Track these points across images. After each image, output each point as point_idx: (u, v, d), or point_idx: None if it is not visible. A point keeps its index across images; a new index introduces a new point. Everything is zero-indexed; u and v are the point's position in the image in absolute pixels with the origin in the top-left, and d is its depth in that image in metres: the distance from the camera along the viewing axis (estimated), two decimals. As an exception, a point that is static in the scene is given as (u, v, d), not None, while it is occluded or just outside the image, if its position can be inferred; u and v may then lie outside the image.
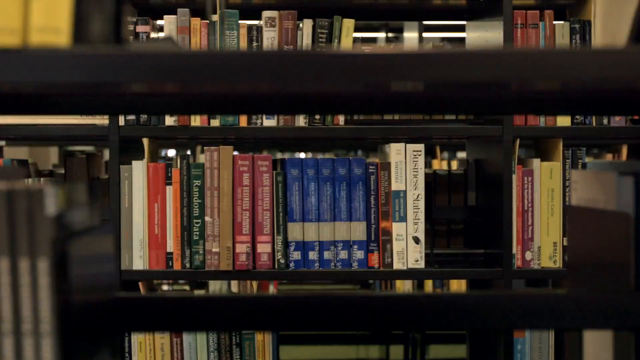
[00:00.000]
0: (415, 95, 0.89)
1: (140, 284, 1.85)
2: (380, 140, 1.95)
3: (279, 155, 4.26)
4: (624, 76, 0.63)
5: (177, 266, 1.78)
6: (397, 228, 1.79)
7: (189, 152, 3.51)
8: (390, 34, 4.70)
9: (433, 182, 1.86)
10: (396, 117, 1.92)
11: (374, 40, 5.42)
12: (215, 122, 1.80)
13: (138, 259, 1.77)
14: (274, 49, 1.76)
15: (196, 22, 1.78)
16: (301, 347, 3.15)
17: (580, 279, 0.94)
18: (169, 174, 1.78)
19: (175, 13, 1.78)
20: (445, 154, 4.70)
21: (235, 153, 1.86)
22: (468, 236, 1.95)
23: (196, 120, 1.80)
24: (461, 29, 1.98)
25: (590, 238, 0.91)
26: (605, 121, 1.77)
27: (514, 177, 1.76)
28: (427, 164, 3.23)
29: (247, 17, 1.85)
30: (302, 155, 4.97)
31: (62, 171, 2.09)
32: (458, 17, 1.95)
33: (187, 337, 1.77)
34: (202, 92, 0.86)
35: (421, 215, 1.79)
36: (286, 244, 1.79)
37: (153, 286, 2.03)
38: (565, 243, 1.74)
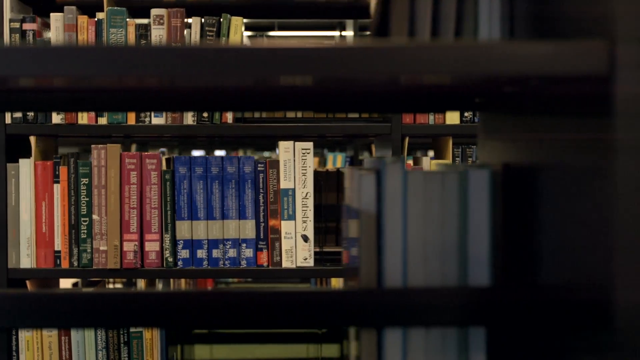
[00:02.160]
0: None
1: (27, 282, 1.85)
2: (278, 139, 1.94)
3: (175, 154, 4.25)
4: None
5: (65, 265, 1.78)
6: (285, 226, 1.79)
7: (77, 151, 3.50)
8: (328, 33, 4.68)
9: (323, 180, 1.85)
10: (299, 114, 1.92)
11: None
12: (102, 120, 1.80)
13: (25, 258, 1.77)
14: (161, 44, 1.76)
15: (83, 20, 1.78)
16: (236, 346, 3.15)
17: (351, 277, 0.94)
18: (57, 172, 1.78)
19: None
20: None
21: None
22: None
23: (84, 119, 1.80)
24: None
25: (351, 238, 0.91)
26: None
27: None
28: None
29: (136, 15, 1.84)
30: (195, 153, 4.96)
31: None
32: (345, 15, 1.93)
33: (75, 335, 1.77)
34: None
35: (310, 214, 1.79)
36: (174, 242, 1.79)
37: (52, 285, 2.03)
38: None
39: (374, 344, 0.83)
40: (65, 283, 3.62)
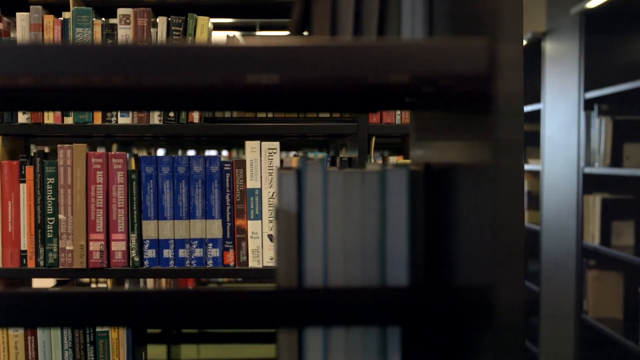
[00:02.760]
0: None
1: (-7, 281, 1.86)
2: (246, 138, 1.94)
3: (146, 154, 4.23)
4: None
5: (31, 264, 1.78)
6: (252, 226, 1.79)
7: (47, 150, 3.49)
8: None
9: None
10: (270, 115, 1.92)
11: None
12: (69, 120, 1.80)
13: (-9, 257, 1.77)
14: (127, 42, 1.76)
15: (49, 19, 1.78)
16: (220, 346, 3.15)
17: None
18: (23, 172, 1.78)
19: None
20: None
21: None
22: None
23: (49, 118, 1.80)
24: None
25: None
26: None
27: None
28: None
29: (103, 15, 1.84)
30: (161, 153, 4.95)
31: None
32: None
33: (41, 335, 1.77)
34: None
35: (276, 213, 1.78)
36: (141, 242, 1.78)
37: (22, 285, 2.03)
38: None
39: (295, 344, 0.83)
40: (46, 283, 3.62)
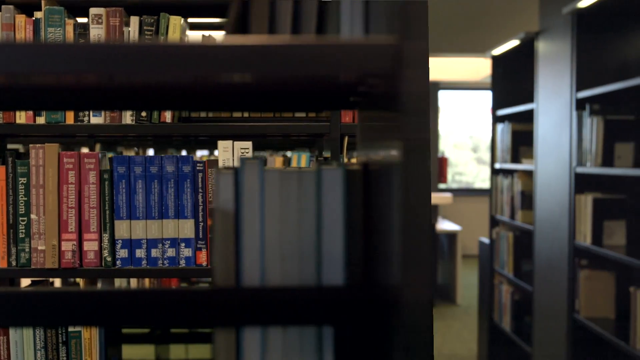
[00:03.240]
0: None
1: (-34, 281, 1.85)
2: (222, 138, 1.93)
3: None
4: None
5: (3, 264, 1.78)
6: (225, 226, 1.77)
7: (21, 149, 3.49)
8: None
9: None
10: (246, 114, 1.91)
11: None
12: (40, 120, 1.80)
13: (-36, 257, 1.77)
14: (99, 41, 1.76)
15: (21, 19, 1.77)
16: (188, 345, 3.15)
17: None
18: (-4, 172, 1.78)
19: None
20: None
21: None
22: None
23: (21, 118, 1.80)
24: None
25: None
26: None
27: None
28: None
29: (75, 14, 1.84)
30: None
31: None
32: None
33: (13, 335, 1.77)
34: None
35: (249, 213, 1.77)
36: (113, 242, 1.78)
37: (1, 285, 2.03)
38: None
39: (233, 344, 0.82)
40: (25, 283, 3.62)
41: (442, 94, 10.21)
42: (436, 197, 7.46)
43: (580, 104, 3.45)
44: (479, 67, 7.69)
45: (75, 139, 2.96)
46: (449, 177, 10.45)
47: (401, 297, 0.54)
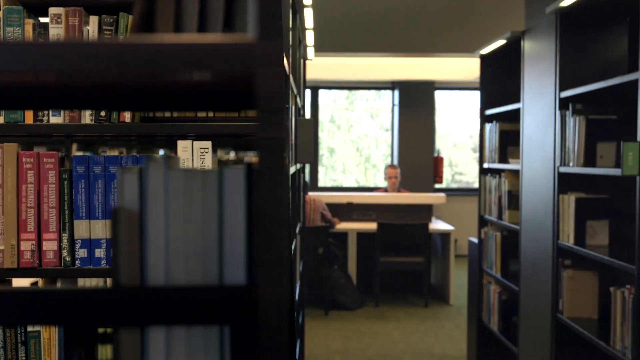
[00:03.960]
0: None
1: None
2: (176, 138, 1.92)
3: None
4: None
5: (-38, 264, 1.77)
6: (184, 226, 1.77)
7: None
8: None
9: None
10: (210, 114, 1.90)
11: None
12: None
13: None
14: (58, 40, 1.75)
15: (-20, 19, 1.77)
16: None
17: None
18: (-45, 172, 1.78)
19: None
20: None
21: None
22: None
23: (-19, 118, 1.80)
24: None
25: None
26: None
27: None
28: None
29: (35, 14, 1.83)
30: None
31: None
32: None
33: (-27, 335, 1.77)
34: None
35: (208, 213, 1.76)
36: (72, 241, 1.78)
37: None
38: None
39: (138, 344, 0.81)
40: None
41: (441, 94, 10.20)
42: (429, 197, 7.44)
43: (563, 104, 3.43)
44: (474, 67, 7.67)
45: (52, 139, 2.96)
46: (449, 177, 10.43)
47: (257, 297, 0.53)
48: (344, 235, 6.93)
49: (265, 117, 0.52)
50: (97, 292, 0.79)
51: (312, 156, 3.72)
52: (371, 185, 10.09)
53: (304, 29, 3.86)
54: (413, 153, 9.43)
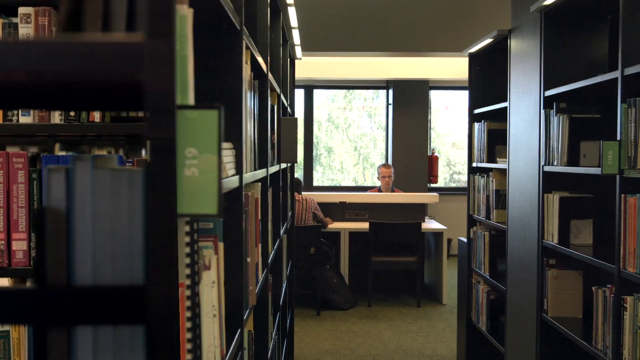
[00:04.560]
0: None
1: None
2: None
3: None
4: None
5: None
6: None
7: None
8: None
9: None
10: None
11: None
12: (-31, 119, 1.80)
13: None
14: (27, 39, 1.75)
15: (-51, 18, 1.78)
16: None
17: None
18: None
19: None
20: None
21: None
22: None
23: (-50, 117, 1.80)
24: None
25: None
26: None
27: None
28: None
29: (5, 13, 1.83)
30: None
31: None
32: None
33: (-58, 335, 1.77)
34: None
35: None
36: (41, 241, 1.77)
37: None
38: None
39: (65, 343, 0.81)
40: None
41: (440, 94, 10.19)
42: (422, 196, 7.44)
43: (548, 103, 3.43)
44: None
45: (34, 139, 2.96)
46: (448, 176, 10.42)
47: (146, 297, 0.53)
48: (336, 234, 6.93)
49: (153, 118, 0.52)
50: (23, 292, 0.79)
51: (295, 155, 3.72)
52: (369, 184, 10.10)
53: (289, 28, 3.86)
54: (408, 152, 9.43)
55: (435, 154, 9.49)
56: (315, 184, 10.14)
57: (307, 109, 9.80)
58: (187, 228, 1.13)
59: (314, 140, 10.32)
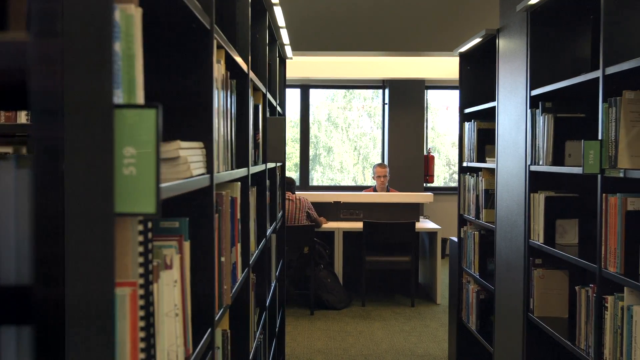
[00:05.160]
0: None
1: None
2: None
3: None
4: None
5: None
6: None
7: None
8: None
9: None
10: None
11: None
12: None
13: None
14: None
15: None
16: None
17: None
18: None
19: None
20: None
21: None
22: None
23: None
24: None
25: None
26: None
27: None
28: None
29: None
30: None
31: None
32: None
33: None
34: None
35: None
36: None
37: None
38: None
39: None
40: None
41: (438, 93, 10.19)
42: (417, 196, 7.44)
43: (534, 102, 3.43)
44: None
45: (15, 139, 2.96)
46: (447, 176, 10.41)
47: (32, 297, 0.53)
48: (330, 234, 6.93)
49: (38, 118, 0.52)
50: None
51: (283, 155, 3.71)
52: (370, 184, 10.11)
53: (277, 28, 3.86)
54: (404, 152, 9.43)
55: (431, 154, 9.48)
56: (315, 183, 10.13)
57: (304, 108, 9.80)
58: (141, 227, 1.13)
59: (314, 140, 10.32)
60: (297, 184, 9.72)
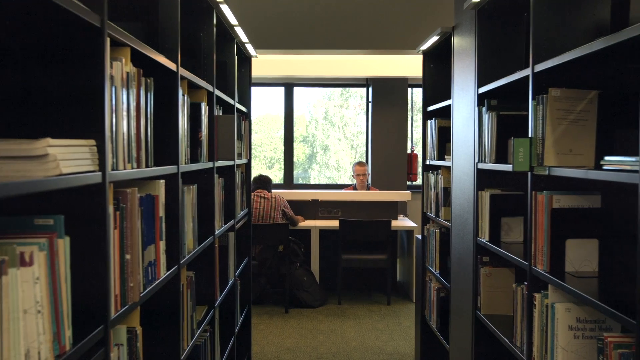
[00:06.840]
0: None
1: None
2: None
3: None
4: None
5: None
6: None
7: None
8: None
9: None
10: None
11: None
12: None
13: None
14: None
15: None
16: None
17: None
18: None
19: None
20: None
21: None
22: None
23: None
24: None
25: None
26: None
27: None
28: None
29: None
30: None
31: None
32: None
33: None
34: None
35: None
36: None
37: None
38: None
39: None
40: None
41: (422, 92, 10.18)
42: (394, 194, 7.43)
43: (482, 100, 3.43)
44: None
45: None
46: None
47: None
48: (307, 232, 6.94)
49: None
50: None
51: (233, 153, 3.72)
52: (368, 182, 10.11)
53: (230, 26, 3.86)
54: (387, 150, 9.42)
55: (415, 152, 9.47)
56: (312, 182, 10.13)
57: (288, 106, 9.80)
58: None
59: (311, 138, 10.35)
60: (283, 182, 9.73)
